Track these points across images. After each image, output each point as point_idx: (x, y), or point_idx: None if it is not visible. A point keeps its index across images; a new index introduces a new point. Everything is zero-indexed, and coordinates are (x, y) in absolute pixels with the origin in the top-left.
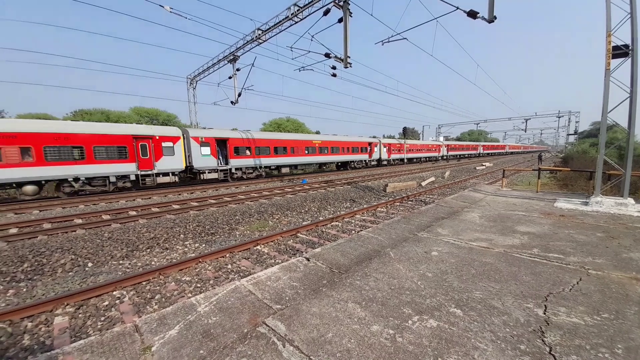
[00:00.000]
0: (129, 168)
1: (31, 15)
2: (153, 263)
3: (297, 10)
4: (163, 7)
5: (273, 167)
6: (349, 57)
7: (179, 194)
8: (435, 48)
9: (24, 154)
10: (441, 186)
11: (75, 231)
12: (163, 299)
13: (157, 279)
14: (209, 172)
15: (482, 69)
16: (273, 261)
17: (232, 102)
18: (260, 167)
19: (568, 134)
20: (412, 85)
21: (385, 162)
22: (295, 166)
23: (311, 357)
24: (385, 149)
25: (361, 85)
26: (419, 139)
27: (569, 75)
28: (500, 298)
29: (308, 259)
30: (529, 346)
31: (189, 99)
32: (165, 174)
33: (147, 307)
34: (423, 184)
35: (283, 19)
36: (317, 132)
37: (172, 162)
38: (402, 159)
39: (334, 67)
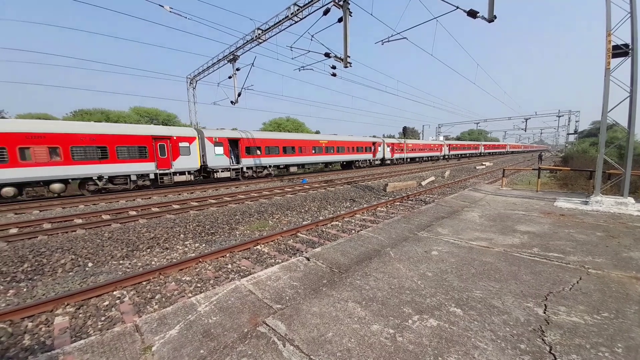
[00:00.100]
0: (148, 167)
1: (31, 16)
2: (153, 263)
3: (297, 10)
4: (163, 7)
5: (282, 166)
6: (349, 57)
7: (179, 194)
8: (435, 48)
9: (52, 153)
10: (441, 186)
11: (75, 231)
12: (163, 299)
13: (157, 279)
14: (221, 171)
15: (482, 69)
16: (273, 261)
17: (232, 102)
18: (270, 166)
19: (568, 134)
20: (412, 85)
21: (388, 162)
22: (302, 165)
23: (311, 356)
24: (388, 149)
25: (361, 84)
26: (419, 139)
27: (569, 74)
28: (500, 297)
29: (308, 259)
30: (529, 345)
31: (188, 99)
32: (182, 173)
33: (148, 307)
34: (423, 183)
35: (283, 19)
36: (317, 132)
37: (188, 162)
38: (405, 158)
39: (333, 67)
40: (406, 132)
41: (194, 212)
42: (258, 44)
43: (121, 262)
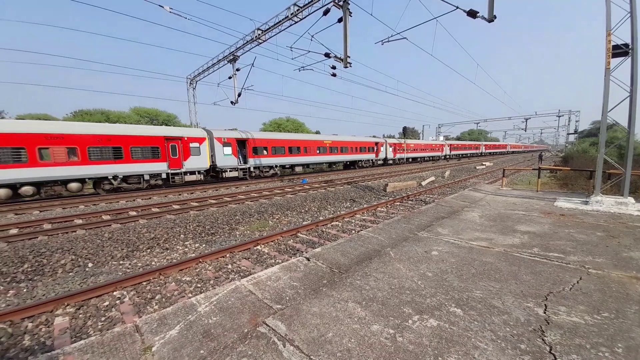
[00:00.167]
0: (161, 167)
1: (31, 16)
2: (153, 263)
3: (297, 10)
4: (163, 7)
5: (287, 166)
6: (349, 57)
7: (179, 194)
8: (435, 48)
9: (71, 153)
10: (441, 186)
11: (75, 231)
12: (163, 299)
13: (157, 279)
14: (230, 171)
15: (482, 68)
16: (273, 261)
17: (232, 102)
18: (276, 166)
19: (568, 133)
20: (412, 85)
21: (390, 162)
22: (307, 165)
23: (311, 356)
24: (391, 149)
25: (361, 84)
26: (419, 139)
27: (569, 74)
28: (501, 297)
29: (308, 259)
30: (529, 345)
31: (188, 99)
32: (192, 173)
33: (148, 307)
34: (423, 183)
35: (283, 19)
36: (317, 132)
37: (198, 162)
38: (407, 158)
39: (333, 67)
40: (406, 132)
41: (194, 212)
42: (258, 44)
43: (121, 262)
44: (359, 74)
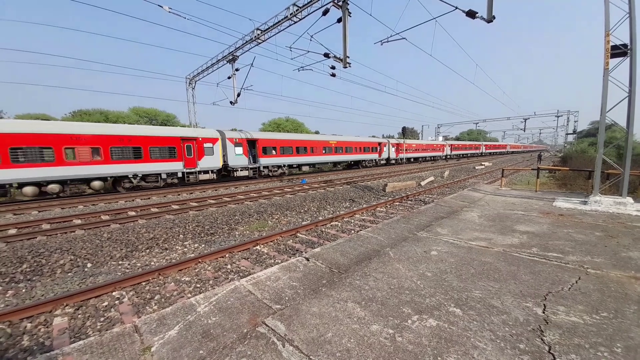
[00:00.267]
0: (177, 166)
1: (30, 16)
2: (152, 263)
3: (296, 10)
4: (162, 7)
5: (295, 166)
6: (348, 57)
7: (179, 194)
8: (434, 48)
9: (94, 153)
10: (440, 186)
11: (74, 232)
12: (162, 300)
13: (156, 280)
14: (241, 170)
15: (481, 69)
16: (272, 261)
17: (231, 102)
18: (284, 166)
19: (567, 134)
20: (411, 85)
21: (393, 162)
22: (314, 165)
23: (311, 356)
24: (393, 149)
25: (360, 85)
26: (418, 139)
27: (568, 74)
28: (500, 297)
29: (307, 259)
30: (528, 345)
31: (188, 99)
32: (206, 172)
33: (147, 307)
34: (422, 183)
35: (282, 19)
36: (317, 132)
37: (211, 161)
38: (408, 158)
39: (333, 67)
40: (405, 133)
41: (193, 212)
42: (257, 44)
43: (120, 262)
44: (358, 74)
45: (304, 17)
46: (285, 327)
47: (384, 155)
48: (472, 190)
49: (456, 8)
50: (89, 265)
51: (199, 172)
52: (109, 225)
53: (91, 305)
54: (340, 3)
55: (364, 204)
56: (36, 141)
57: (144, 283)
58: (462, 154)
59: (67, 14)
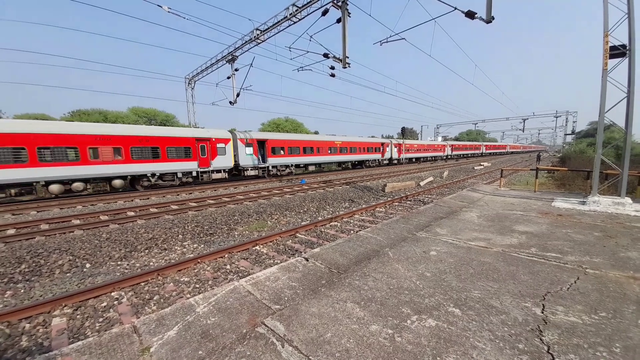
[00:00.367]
0: (192, 166)
1: (30, 16)
2: (151, 264)
3: (296, 11)
4: (161, 7)
5: (302, 165)
6: (348, 57)
7: (178, 194)
8: (434, 48)
9: (116, 153)
10: (439, 186)
11: (73, 232)
12: (161, 300)
13: (155, 280)
14: (251, 169)
15: (480, 69)
16: (272, 261)
17: (230, 102)
18: (292, 165)
19: (566, 134)
20: (410, 86)
21: (395, 161)
22: (320, 164)
23: (310, 357)
24: (395, 149)
25: (359, 85)
26: (417, 139)
27: (567, 75)
28: (499, 297)
29: (307, 259)
30: (527, 345)
31: (187, 99)
32: (218, 171)
33: (146, 308)
34: (422, 183)
35: (282, 19)
36: (316, 132)
37: (224, 161)
38: (410, 158)
39: (332, 67)
40: (405, 133)
41: (192, 212)
42: (257, 45)
43: (119, 263)
44: (357, 75)
45: (304, 18)
46: (285, 328)
47: (387, 155)
48: (471, 191)
49: (455, 9)
50: (87, 265)
51: (212, 171)
52: (108, 226)
53: (90, 306)
54: (339, 3)
55: (363, 204)
56: (62, 141)
57: (143, 283)
58: (463, 154)
59: (68, 14)
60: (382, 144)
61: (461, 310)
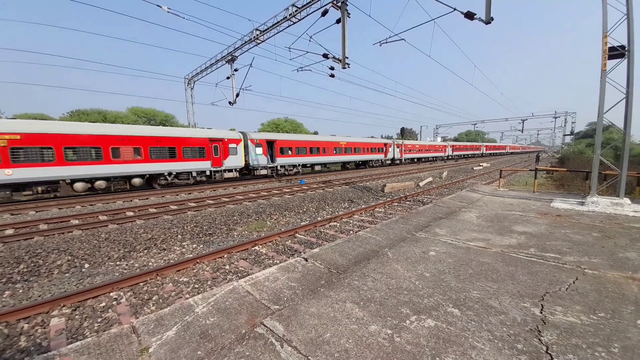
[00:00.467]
0: (205, 165)
1: (30, 15)
2: (150, 264)
3: (295, 11)
4: (161, 7)
5: (308, 165)
6: (347, 58)
7: (177, 195)
8: (433, 49)
9: (136, 153)
10: (439, 186)
11: (71, 232)
12: (160, 300)
13: (154, 280)
14: (261, 169)
15: (480, 70)
16: (271, 261)
17: (230, 103)
18: (299, 165)
19: (564, 135)
20: (409, 86)
21: (398, 162)
22: (325, 164)
23: (309, 357)
24: (398, 150)
25: (359, 85)
26: (416, 139)
27: (566, 75)
28: (498, 297)
29: (306, 259)
30: (526, 345)
31: (186, 99)
32: (230, 170)
33: (145, 308)
34: (421, 184)
35: (281, 20)
36: (315, 133)
37: (235, 161)
38: (412, 159)
39: (332, 68)
40: (404, 133)
41: (191, 212)
42: (256, 45)
43: (118, 263)
44: (357, 75)
45: (303, 18)
46: (284, 328)
47: (390, 155)
48: (470, 191)
49: (454, 9)
50: (86, 265)
51: (224, 170)
52: (107, 226)
53: (89, 306)
54: (339, 4)
55: (362, 205)
56: (87, 141)
57: (141, 284)
58: (464, 155)
59: (69, 14)
60: (385, 144)
61: (460, 311)
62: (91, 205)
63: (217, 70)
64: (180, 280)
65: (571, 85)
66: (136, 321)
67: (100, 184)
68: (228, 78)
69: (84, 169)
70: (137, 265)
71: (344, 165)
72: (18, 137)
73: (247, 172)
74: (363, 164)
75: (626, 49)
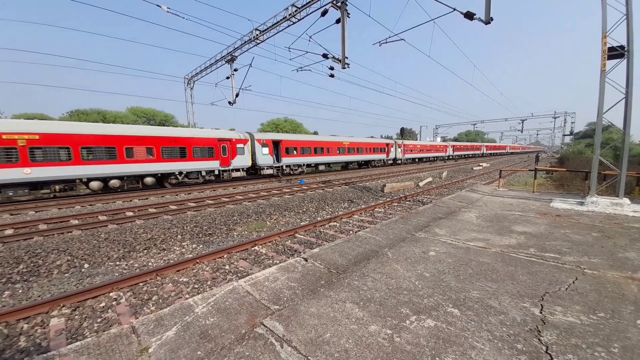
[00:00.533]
0: (214, 165)
1: (30, 15)
2: (150, 264)
3: (295, 11)
4: (160, 7)
5: (312, 165)
6: (347, 58)
7: (177, 195)
8: (433, 49)
9: (148, 152)
10: (439, 186)
11: (71, 232)
12: (160, 300)
13: (154, 280)
14: (267, 169)
15: (479, 70)
16: (271, 262)
17: (229, 103)
18: (303, 165)
19: (564, 135)
20: (409, 86)
21: (399, 162)
22: (329, 164)
23: (309, 357)
24: (399, 150)
25: (359, 85)
26: (416, 139)
27: (565, 75)
28: (497, 297)
29: (306, 260)
30: (526, 345)
31: (186, 99)
32: (237, 170)
33: (144, 308)
34: (421, 184)
35: (281, 20)
36: (315, 133)
37: (243, 160)
38: (413, 159)
39: (331, 68)
40: (404, 133)
41: (191, 212)
42: (256, 45)
43: (118, 263)
44: (356, 75)
45: (303, 18)
46: (284, 328)
47: (392, 155)
48: (470, 191)
49: (454, 9)
50: (86, 265)
51: (232, 170)
52: (107, 226)
53: (88, 306)
54: (339, 4)
55: (362, 205)
56: (102, 141)
57: (141, 284)
58: (464, 155)
59: (69, 14)
60: (387, 144)
61: (460, 311)
62: (91, 205)
63: (216, 70)
64: (180, 280)
65: (571, 85)
66: (136, 321)
67: (114, 183)
68: (228, 78)
69: (100, 168)
70: (136, 265)
71: (345, 165)
72: (37, 137)
73: (254, 172)
74: (365, 164)
75: (626, 49)
